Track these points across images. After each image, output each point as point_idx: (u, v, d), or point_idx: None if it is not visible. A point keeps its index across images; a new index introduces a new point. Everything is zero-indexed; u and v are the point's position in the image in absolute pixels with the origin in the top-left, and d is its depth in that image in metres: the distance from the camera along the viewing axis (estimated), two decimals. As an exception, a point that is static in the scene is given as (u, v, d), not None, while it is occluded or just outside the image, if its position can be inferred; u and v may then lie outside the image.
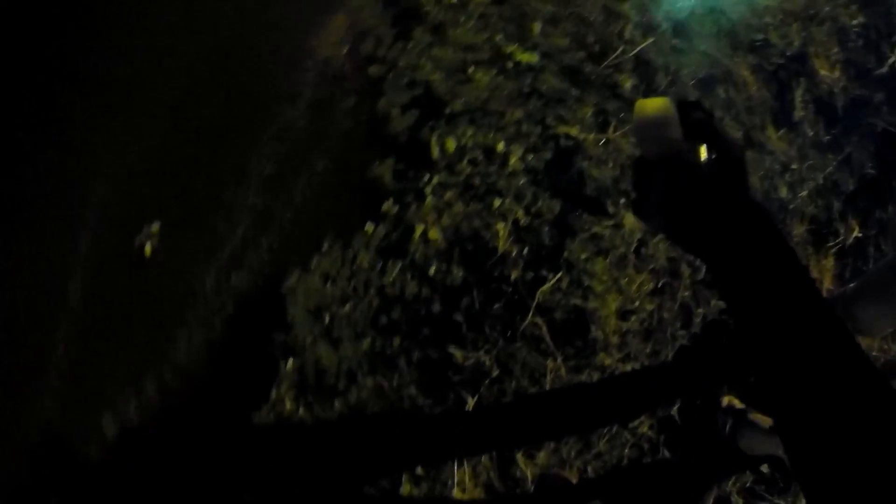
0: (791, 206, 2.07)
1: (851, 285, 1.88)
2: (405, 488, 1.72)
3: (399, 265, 1.76)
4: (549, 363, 1.76)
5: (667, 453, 1.81)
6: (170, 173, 1.91)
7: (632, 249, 1.86)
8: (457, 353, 1.73)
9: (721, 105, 2.10)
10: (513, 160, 1.85)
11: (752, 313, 0.53)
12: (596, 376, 1.78)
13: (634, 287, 1.83)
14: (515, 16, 2.03)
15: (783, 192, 2.08)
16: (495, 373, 1.74)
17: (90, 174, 1.89)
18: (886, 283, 1.66)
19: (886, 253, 2.10)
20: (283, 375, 1.77)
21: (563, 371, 1.77)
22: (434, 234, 1.76)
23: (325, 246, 1.80)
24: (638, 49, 2.07)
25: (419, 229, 1.77)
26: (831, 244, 2.09)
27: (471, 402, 1.73)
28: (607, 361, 1.79)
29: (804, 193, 2.10)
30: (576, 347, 1.78)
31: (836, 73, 2.34)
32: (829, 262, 2.08)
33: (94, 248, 1.88)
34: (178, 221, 1.90)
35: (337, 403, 1.75)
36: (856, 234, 2.11)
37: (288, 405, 1.77)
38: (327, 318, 1.77)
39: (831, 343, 0.50)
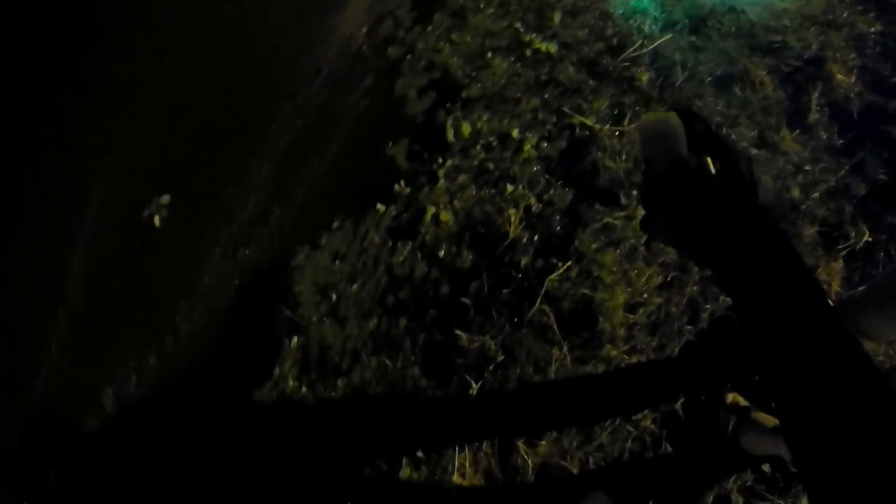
0: (803, 207, 2.06)
1: (860, 289, 1.87)
2: (405, 472, 1.71)
3: (409, 246, 1.75)
4: (555, 352, 1.75)
5: (669, 448, 1.80)
6: (183, 146, 1.91)
7: (642, 242, 1.85)
8: (462, 337, 1.73)
9: (737, 104, 2.09)
10: (527, 147, 1.84)
11: (762, 321, 0.53)
12: (601, 368, 1.77)
13: (643, 280, 1.83)
14: (535, 5, 2.03)
15: (795, 193, 2.07)
16: (500, 358, 1.73)
17: (102, 143, 1.88)
18: (894, 289, 1.66)
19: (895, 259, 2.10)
20: (286, 352, 1.77)
21: (568, 360, 1.76)
22: (446, 216, 1.75)
23: (336, 224, 1.79)
24: (656, 44, 2.07)
25: (431, 211, 1.76)
26: (841, 247, 2.08)
27: (475, 387, 1.72)
28: (613, 353, 1.78)
29: (816, 195, 2.09)
30: (582, 338, 1.77)
31: (852, 79, 2.34)
32: (839, 265, 2.07)
33: (102, 218, 1.87)
34: (188, 194, 1.89)
35: (340, 383, 1.74)
36: (866, 238, 2.10)
37: (290, 383, 1.76)
38: (334, 297, 1.76)
39: (837, 349, 0.51)
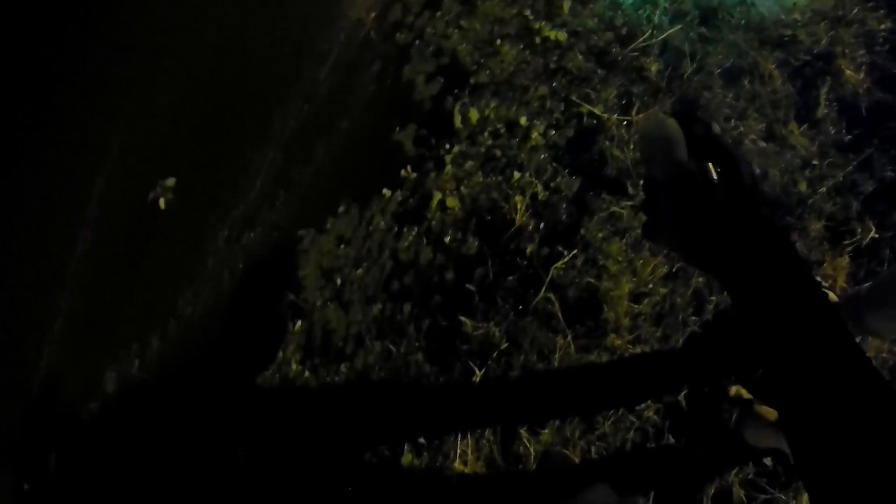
0: (810, 202, 2.05)
1: (865, 286, 1.87)
2: (406, 458, 1.70)
3: (415, 231, 1.75)
4: (559, 340, 1.74)
5: (671, 439, 1.79)
6: (190, 129, 1.90)
7: (648, 232, 1.84)
8: (467, 323, 1.72)
9: (745, 96, 2.09)
10: (534, 135, 1.83)
11: (763, 326, 0.54)
12: (605, 357, 1.76)
13: (649, 270, 1.82)
14: (545, -7, 2.02)
15: (802, 188, 2.07)
16: (504, 346, 1.72)
17: (109, 126, 1.88)
18: (900, 286, 1.65)
19: (902, 256, 2.09)
20: (290, 336, 1.76)
21: (572, 349, 1.75)
22: (452, 202, 1.75)
23: (342, 208, 1.78)
24: (665, 35, 2.06)
25: (437, 197, 1.76)
26: (847, 243, 2.07)
27: (478, 374, 1.72)
28: (617, 343, 1.77)
29: (823, 190, 2.08)
30: (587, 326, 1.76)
31: (861, 76, 2.33)
32: (844, 261, 2.07)
33: (108, 200, 1.86)
34: (194, 177, 1.88)
35: (343, 367, 1.74)
36: (872, 234, 2.09)
37: (293, 367, 1.75)
38: (339, 281, 1.76)
39: (838, 353, 0.51)
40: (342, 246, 1.77)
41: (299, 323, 1.75)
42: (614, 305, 1.77)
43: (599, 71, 1.95)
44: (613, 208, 1.82)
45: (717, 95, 2.05)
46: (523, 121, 1.85)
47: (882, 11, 2.47)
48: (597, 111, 1.90)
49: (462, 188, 1.78)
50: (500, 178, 1.80)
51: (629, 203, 1.85)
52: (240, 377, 1.78)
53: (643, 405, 1.79)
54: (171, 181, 1.88)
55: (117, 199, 1.89)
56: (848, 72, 2.32)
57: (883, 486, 0.45)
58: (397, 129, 1.84)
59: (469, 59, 1.88)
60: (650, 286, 1.82)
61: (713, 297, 1.88)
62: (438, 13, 1.92)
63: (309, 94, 1.87)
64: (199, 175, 1.89)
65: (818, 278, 2.06)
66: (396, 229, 1.76)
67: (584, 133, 1.88)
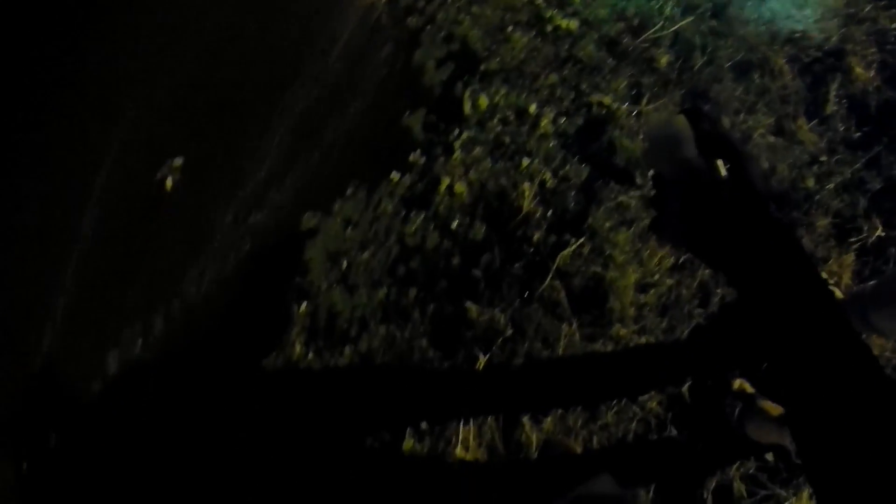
0: (817, 198, 2.05)
1: (870, 283, 1.86)
2: (407, 443, 1.70)
3: (422, 216, 1.74)
4: (564, 328, 1.74)
5: (674, 431, 1.79)
6: (199, 110, 1.90)
7: (656, 223, 1.84)
8: (472, 309, 1.72)
9: (755, 90, 2.08)
10: (544, 123, 1.83)
11: (770, 323, 0.54)
12: (610, 347, 1.76)
13: (655, 261, 1.82)
14: (557, -18, 2.01)
15: (810, 183, 2.06)
16: (509, 332, 1.72)
17: (116, 106, 1.87)
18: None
19: (908, 254, 2.08)
20: (294, 319, 1.76)
21: (577, 338, 1.75)
22: (460, 188, 1.74)
23: (349, 191, 1.78)
24: (677, 27, 2.05)
25: (445, 182, 1.75)
26: (853, 240, 2.07)
27: (482, 361, 1.71)
28: (622, 333, 1.77)
29: (831, 186, 2.08)
30: (592, 315, 1.76)
31: (872, 74, 2.32)
32: (850, 258, 2.06)
33: (114, 179, 1.86)
34: (202, 158, 1.88)
35: (347, 350, 1.73)
36: (878, 233, 2.09)
37: (297, 349, 1.75)
38: (345, 264, 1.75)
39: (844, 350, 0.52)
40: (349, 229, 1.76)
41: (304, 305, 1.75)
42: (620, 295, 1.77)
43: (610, 61, 1.95)
44: (621, 198, 1.82)
45: (726, 88, 2.04)
46: (533, 108, 1.84)
47: (894, 10, 2.46)
48: (606, 101, 1.89)
49: (470, 174, 1.77)
50: (508, 164, 1.79)
51: (637, 193, 1.84)
52: (243, 358, 1.78)
53: (646, 396, 1.78)
54: (178, 161, 1.87)
55: (124, 178, 1.89)
56: (858, 69, 2.32)
57: (886, 481, 0.46)
58: (407, 113, 1.83)
59: (480, 45, 1.88)
60: (656, 277, 1.82)
61: (719, 290, 1.88)
62: (450, -1, 1.92)
63: (318, 77, 1.86)
64: (207, 156, 1.89)
65: (823, 275, 2.05)
66: (404, 213, 1.76)
67: (593, 122, 1.88)
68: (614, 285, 1.77)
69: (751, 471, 1.84)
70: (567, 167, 1.82)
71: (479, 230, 1.75)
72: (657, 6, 2.07)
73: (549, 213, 1.78)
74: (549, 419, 1.72)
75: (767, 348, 0.55)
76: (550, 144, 1.83)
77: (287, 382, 1.75)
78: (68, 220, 1.83)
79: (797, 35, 2.26)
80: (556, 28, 1.93)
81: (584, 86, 1.90)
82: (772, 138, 2.06)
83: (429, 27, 1.88)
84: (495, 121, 1.82)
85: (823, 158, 2.12)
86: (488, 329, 1.72)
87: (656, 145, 0.59)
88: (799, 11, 2.29)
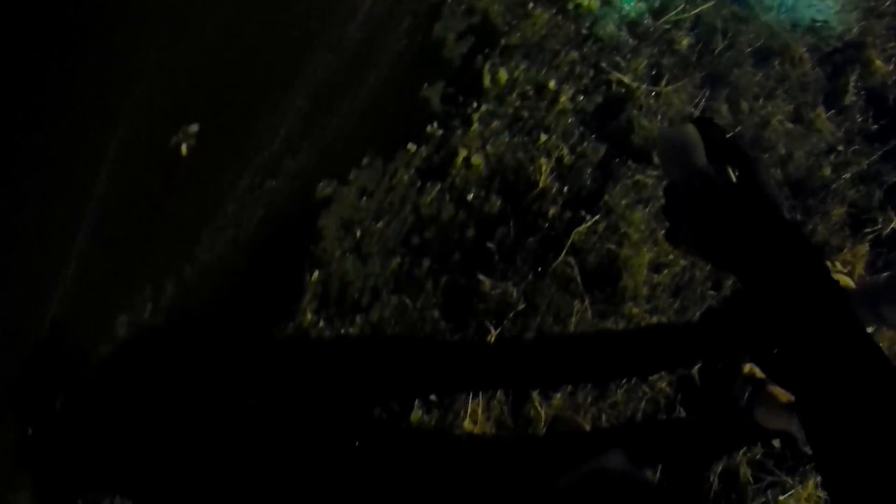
0: (833, 187, 2.04)
1: (883, 275, 1.86)
2: (415, 415, 1.69)
3: (438, 187, 1.74)
4: (577, 304, 1.73)
5: (682, 412, 1.78)
6: (215, 76, 1.89)
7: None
8: (485, 282, 1.71)
9: (775, 77, 2.07)
10: (563, 99, 1.83)
11: (784, 329, 0.55)
12: (622, 325, 1.75)
13: (670, 241, 1.81)
14: (579, -38, 2.00)
15: (826, 172, 2.06)
16: (521, 307, 1.71)
17: (133, 69, 1.87)
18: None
19: (922, 247, 2.08)
20: (306, 286, 1.75)
21: (588, 314, 1.74)
22: (477, 160, 1.74)
23: (365, 161, 1.77)
24: (698, 10, 2.05)
25: (462, 154, 1.75)
26: (868, 231, 2.06)
27: (493, 334, 1.71)
28: (634, 311, 1.76)
29: (847, 176, 2.07)
30: (605, 293, 1.76)
31: (891, 67, 2.31)
32: (864, 249, 2.06)
33: (129, 143, 1.85)
34: (218, 124, 1.87)
35: (358, 319, 1.73)
36: (893, 224, 2.09)
37: (308, 317, 1.74)
38: (358, 233, 1.75)
39: (857, 352, 0.53)
40: (364, 198, 1.76)
41: (316, 273, 1.74)
42: (633, 274, 1.76)
43: (630, 41, 1.94)
44: (638, 177, 1.81)
45: (746, 73, 2.04)
46: (552, 84, 1.84)
47: (915, 6, 2.45)
48: (626, 80, 1.89)
49: (488, 147, 1.77)
50: (526, 139, 1.79)
51: (654, 172, 1.84)
52: (254, 325, 1.77)
53: (656, 376, 1.78)
54: (194, 127, 1.87)
55: (138, 143, 1.88)
56: (877, 62, 2.31)
57: (892, 471, 0.47)
58: (425, 85, 1.83)
59: (501, 20, 1.87)
60: (670, 257, 1.81)
61: (732, 274, 1.87)
62: (472, -27, 1.91)
63: (337, 47, 1.85)
64: (223, 122, 1.88)
65: (837, 264, 2.05)
66: (419, 184, 1.75)
67: (612, 100, 1.87)
68: (628, 263, 1.76)
69: (757, 456, 1.83)
70: (584, 144, 1.81)
71: (495, 203, 1.75)
72: (679, -11, 2.07)
73: (565, 189, 1.78)
74: (558, 395, 1.71)
75: (778, 346, 0.56)
76: (568, 121, 1.82)
77: (297, 350, 1.74)
78: (81, 183, 1.83)
79: (818, 25, 2.25)
80: (578, 6, 1.92)
81: (603, 64, 1.90)
82: (790, 125, 2.05)
83: (449, 0, 1.88)
84: (514, 95, 1.82)
85: (840, 148, 2.12)
86: (500, 302, 1.71)
87: (667, 154, 0.60)
88: (820, 1, 2.28)
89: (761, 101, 2.03)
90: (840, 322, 0.54)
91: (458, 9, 1.88)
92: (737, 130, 1.98)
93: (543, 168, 1.77)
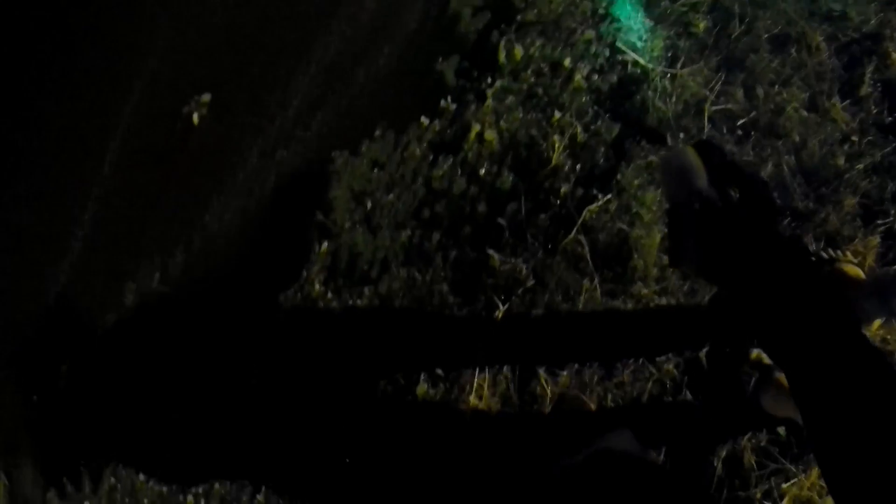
0: (846, 176, 2.03)
1: (893, 268, 1.85)
2: (421, 388, 1.69)
3: (450, 161, 1.73)
4: (586, 283, 1.73)
5: (689, 395, 1.78)
6: (228, 47, 1.89)
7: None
8: (494, 257, 1.71)
9: (792, 64, 2.06)
10: (577, 77, 1.82)
11: (783, 335, 0.56)
12: (630, 305, 1.75)
13: (681, 224, 1.80)
14: (598, -58, 1.99)
15: (840, 162, 2.04)
16: (530, 283, 1.71)
17: (144, 41, 1.86)
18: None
19: (935, 239, 2.06)
20: (315, 257, 1.75)
21: (598, 293, 1.74)
22: (490, 135, 1.73)
23: (378, 132, 1.77)
24: (717, -6, 2.04)
25: (475, 129, 1.74)
26: (880, 222, 2.05)
27: (501, 310, 1.70)
28: (644, 292, 1.76)
29: (860, 167, 2.06)
30: (614, 272, 1.75)
31: (907, 60, 2.30)
32: (875, 240, 2.04)
33: (140, 111, 1.85)
34: (230, 94, 1.87)
35: (366, 291, 1.72)
36: (905, 217, 2.07)
37: (316, 287, 1.74)
38: (369, 204, 1.74)
39: (860, 362, 0.54)
40: (375, 170, 1.75)
41: (326, 244, 1.74)
42: (644, 254, 1.75)
43: (647, 22, 1.93)
44: (651, 158, 1.81)
45: (763, 59, 2.03)
46: (567, 62, 1.83)
47: (932, 0, 2.43)
48: (642, 61, 1.88)
49: (501, 123, 1.76)
50: (539, 116, 1.78)
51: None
52: (262, 295, 1.77)
53: (663, 358, 1.77)
54: (206, 97, 1.86)
55: (150, 111, 1.88)
56: (894, 55, 2.29)
57: (889, 468, 0.48)
58: (440, 59, 1.82)
59: (518, -3, 1.87)
60: (681, 239, 1.80)
61: (743, 259, 1.86)
62: (490, -51, 1.90)
63: (353, 17, 1.85)
64: (236, 92, 1.88)
65: (848, 254, 2.04)
66: (431, 158, 1.75)
67: (627, 81, 1.86)
68: (639, 244, 1.75)
69: (762, 443, 1.82)
70: (598, 123, 1.81)
71: (507, 179, 1.74)
72: (697, -28, 2.05)
73: (578, 167, 1.77)
74: (565, 374, 1.71)
75: (779, 357, 0.57)
76: (583, 99, 1.82)
77: (304, 321, 1.74)
78: (92, 150, 1.83)
79: (836, 14, 2.23)
80: (595, -15, 1.91)
81: (619, 44, 1.89)
82: (805, 113, 2.04)
83: (467, -24, 1.87)
84: (529, 72, 1.81)
85: (855, 138, 2.10)
86: (510, 278, 1.71)
87: (668, 177, 0.61)
88: (839, -9, 2.27)
89: (777, 87, 2.02)
90: (839, 338, 0.54)
91: (475, -16, 1.88)
92: (751, 115, 1.97)
93: (556, 145, 1.76)
